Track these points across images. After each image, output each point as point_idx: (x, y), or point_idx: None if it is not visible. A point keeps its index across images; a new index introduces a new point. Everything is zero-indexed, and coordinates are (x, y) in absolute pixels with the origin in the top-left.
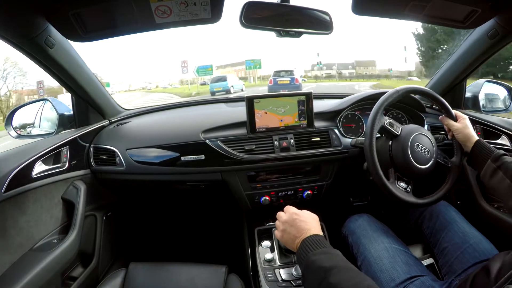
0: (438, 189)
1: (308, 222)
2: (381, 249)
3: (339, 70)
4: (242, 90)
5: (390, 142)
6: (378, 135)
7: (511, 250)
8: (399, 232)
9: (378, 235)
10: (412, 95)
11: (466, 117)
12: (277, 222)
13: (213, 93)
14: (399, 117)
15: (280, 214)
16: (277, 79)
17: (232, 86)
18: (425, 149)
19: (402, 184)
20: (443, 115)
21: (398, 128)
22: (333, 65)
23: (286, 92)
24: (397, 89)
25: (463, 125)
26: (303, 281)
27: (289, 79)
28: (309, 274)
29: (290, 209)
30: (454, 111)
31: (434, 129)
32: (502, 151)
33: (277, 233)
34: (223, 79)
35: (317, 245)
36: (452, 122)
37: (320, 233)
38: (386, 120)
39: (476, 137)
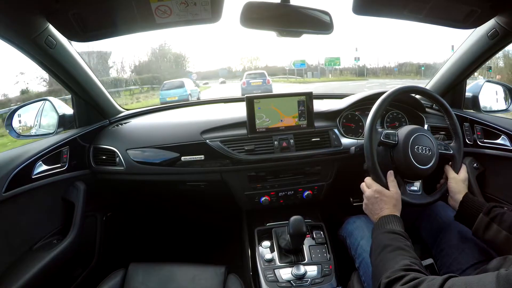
0: (439, 187)
1: (388, 202)
2: None
3: None
4: (198, 99)
5: (391, 152)
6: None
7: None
8: None
9: None
10: (412, 94)
11: (467, 175)
12: (363, 194)
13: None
14: (399, 117)
15: (364, 188)
16: (250, 81)
17: (190, 94)
18: (425, 149)
19: (414, 188)
20: (448, 165)
21: (395, 137)
22: None
23: (286, 92)
24: (398, 88)
25: (461, 177)
26: (370, 251)
27: (261, 80)
28: (374, 247)
29: (373, 186)
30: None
31: (434, 129)
32: (493, 203)
33: (363, 204)
34: (180, 85)
35: (388, 224)
36: (451, 170)
37: (396, 212)
38: (382, 133)
39: (466, 191)
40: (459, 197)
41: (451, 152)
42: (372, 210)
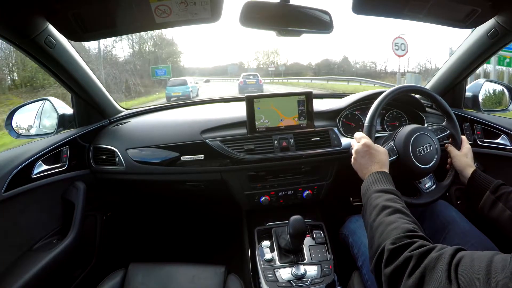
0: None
1: (376, 155)
2: None
3: None
4: (197, 95)
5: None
6: (379, 135)
7: None
8: None
9: None
10: (411, 94)
11: (469, 146)
12: (352, 149)
13: (169, 99)
14: (399, 117)
15: (353, 143)
16: (246, 80)
17: (191, 90)
18: (426, 147)
19: (429, 184)
20: (449, 143)
21: (393, 151)
22: None
23: (285, 91)
24: (396, 88)
25: (462, 153)
26: (363, 212)
27: (255, 80)
28: (368, 207)
29: (363, 140)
30: (462, 137)
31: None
32: (500, 181)
33: (352, 159)
34: (183, 82)
35: (380, 182)
36: (453, 149)
37: (385, 169)
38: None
39: (473, 167)
40: (467, 173)
41: (448, 132)
42: (361, 165)
